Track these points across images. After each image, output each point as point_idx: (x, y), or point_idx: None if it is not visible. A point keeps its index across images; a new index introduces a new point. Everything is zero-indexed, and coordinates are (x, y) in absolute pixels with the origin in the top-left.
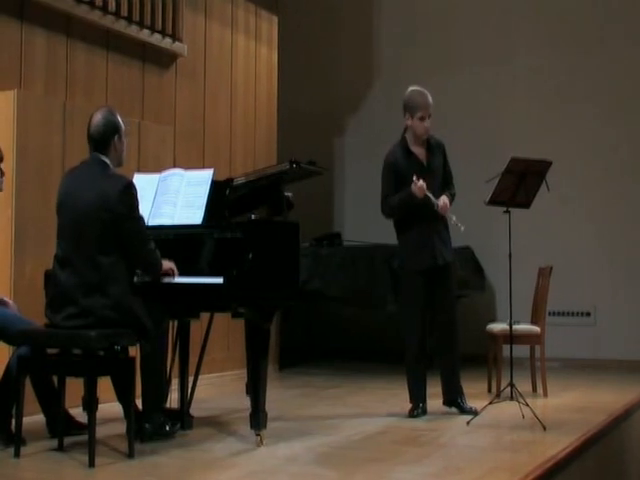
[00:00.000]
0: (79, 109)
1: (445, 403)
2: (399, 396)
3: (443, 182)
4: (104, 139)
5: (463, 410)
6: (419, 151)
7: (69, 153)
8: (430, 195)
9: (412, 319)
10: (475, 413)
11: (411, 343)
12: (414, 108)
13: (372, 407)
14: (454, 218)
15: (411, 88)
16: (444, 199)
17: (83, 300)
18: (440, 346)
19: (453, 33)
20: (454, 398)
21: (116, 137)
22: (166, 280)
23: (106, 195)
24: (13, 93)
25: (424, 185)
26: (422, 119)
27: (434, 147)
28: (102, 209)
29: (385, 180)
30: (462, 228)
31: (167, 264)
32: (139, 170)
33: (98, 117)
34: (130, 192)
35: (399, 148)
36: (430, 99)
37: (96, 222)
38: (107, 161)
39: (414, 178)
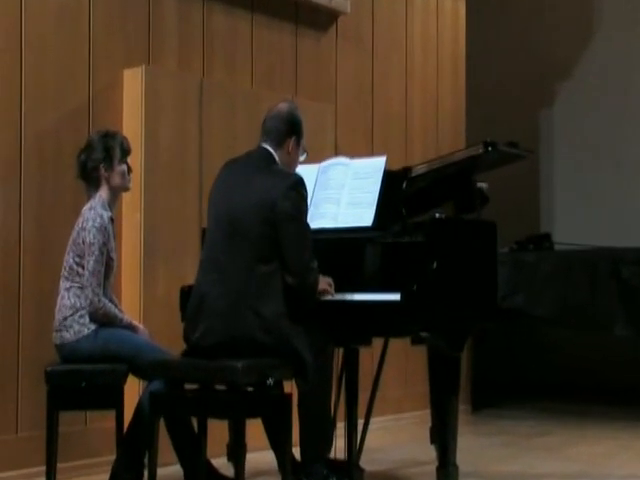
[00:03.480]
0: (218, 86)
1: None
2: (634, 448)
3: None
4: (280, 133)
5: None
6: None
7: (207, 141)
8: None
9: None
10: None
11: None
12: None
13: (598, 462)
14: None
15: None
16: None
17: (229, 316)
18: None
19: None
20: None
21: (293, 139)
22: (327, 298)
23: (270, 190)
24: (141, 70)
25: None
26: None
27: None
28: (264, 206)
29: None
30: None
31: (322, 283)
32: None
33: (283, 107)
34: (300, 190)
35: None
36: None
37: (255, 221)
38: (276, 156)
39: None
